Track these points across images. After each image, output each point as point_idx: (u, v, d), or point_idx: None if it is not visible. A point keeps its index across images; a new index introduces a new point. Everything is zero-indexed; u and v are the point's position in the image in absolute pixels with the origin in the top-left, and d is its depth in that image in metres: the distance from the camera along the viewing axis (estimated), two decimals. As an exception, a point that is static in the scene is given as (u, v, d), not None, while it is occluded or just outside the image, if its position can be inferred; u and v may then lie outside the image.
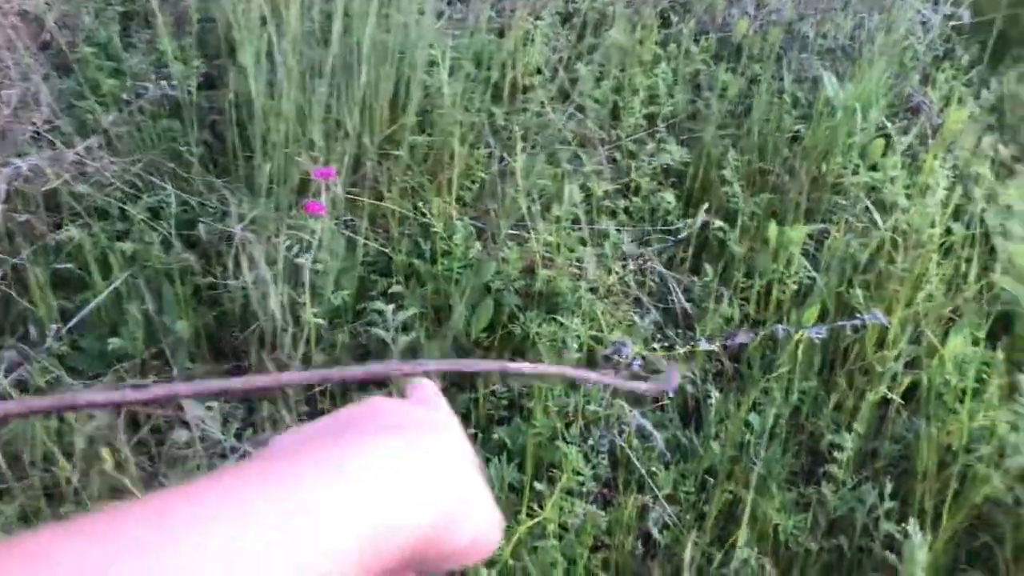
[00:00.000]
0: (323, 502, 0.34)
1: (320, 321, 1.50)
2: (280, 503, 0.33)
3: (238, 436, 1.43)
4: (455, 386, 1.73)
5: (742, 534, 1.49)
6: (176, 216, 1.74)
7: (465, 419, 1.65)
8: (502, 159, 2.02)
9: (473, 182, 1.99)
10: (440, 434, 0.42)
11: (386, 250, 1.79)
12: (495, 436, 1.62)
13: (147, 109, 1.92)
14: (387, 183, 1.88)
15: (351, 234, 1.76)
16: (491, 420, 1.67)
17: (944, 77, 2.60)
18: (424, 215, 1.80)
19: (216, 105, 1.93)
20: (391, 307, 1.51)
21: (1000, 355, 1.81)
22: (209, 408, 1.39)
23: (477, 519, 0.41)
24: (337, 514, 0.34)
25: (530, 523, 1.42)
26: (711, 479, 1.70)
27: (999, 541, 1.66)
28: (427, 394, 0.51)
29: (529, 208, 1.91)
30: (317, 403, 1.59)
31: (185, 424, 1.45)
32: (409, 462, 0.38)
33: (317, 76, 1.82)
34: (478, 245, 1.78)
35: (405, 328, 1.61)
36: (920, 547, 1.52)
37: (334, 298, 1.64)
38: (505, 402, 1.70)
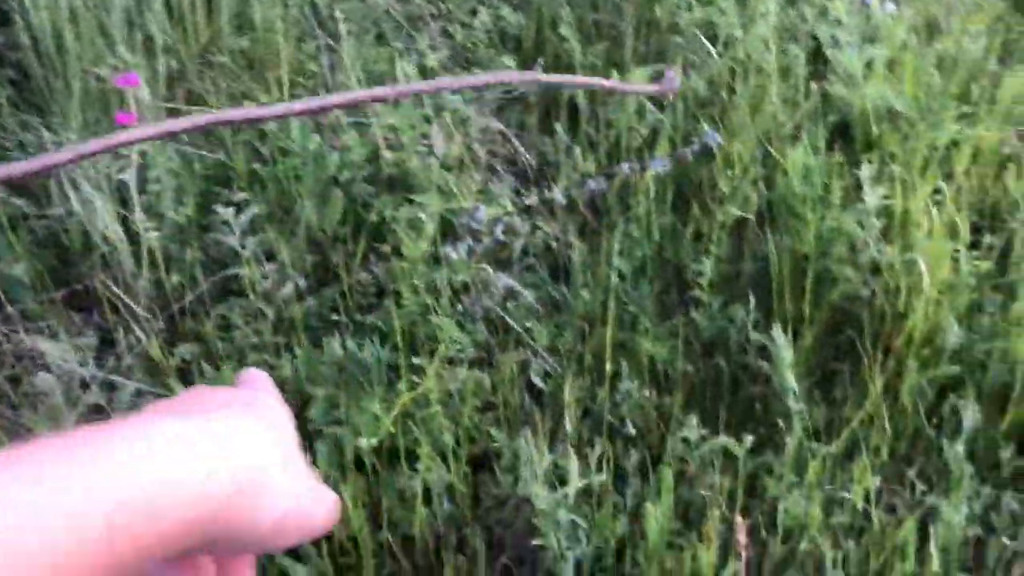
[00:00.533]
0: (68, 477, 0.34)
1: (155, 234, 1.45)
2: (28, 479, 0.34)
3: (99, 365, 1.39)
4: (321, 284, 1.72)
5: (609, 365, 1.54)
6: (-7, 162, 1.64)
7: (335, 311, 1.64)
8: (331, 49, 1.97)
9: (307, 77, 1.94)
10: (244, 415, 0.41)
11: (223, 159, 1.73)
12: (367, 322, 1.62)
13: (-60, 56, 1.79)
14: (214, 92, 1.81)
15: (184, 148, 1.70)
16: (361, 309, 1.67)
17: (763, -97, 2.61)
18: (256, 117, 1.75)
19: (12, 40, 1.81)
20: (231, 210, 1.47)
21: (839, 159, 1.88)
22: (59, 341, 1.35)
23: (282, 502, 0.40)
24: (82, 490, 0.34)
25: (411, 394, 1.44)
26: (587, 326, 1.75)
27: (860, 332, 1.75)
28: (255, 381, 0.50)
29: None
30: (176, 322, 1.56)
31: (42, 366, 1.41)
32: (185, 443, 0.38)
33: (115, -10, 1.72)
34: (317, 139, 1.74)
35: (254, 231, 1.57)
36: (785, 350, 1.60)
37: (176, 215, 1.59)
38: (373, 289, 1.70)
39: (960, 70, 2.17)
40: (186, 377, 1.51)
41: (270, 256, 1.62)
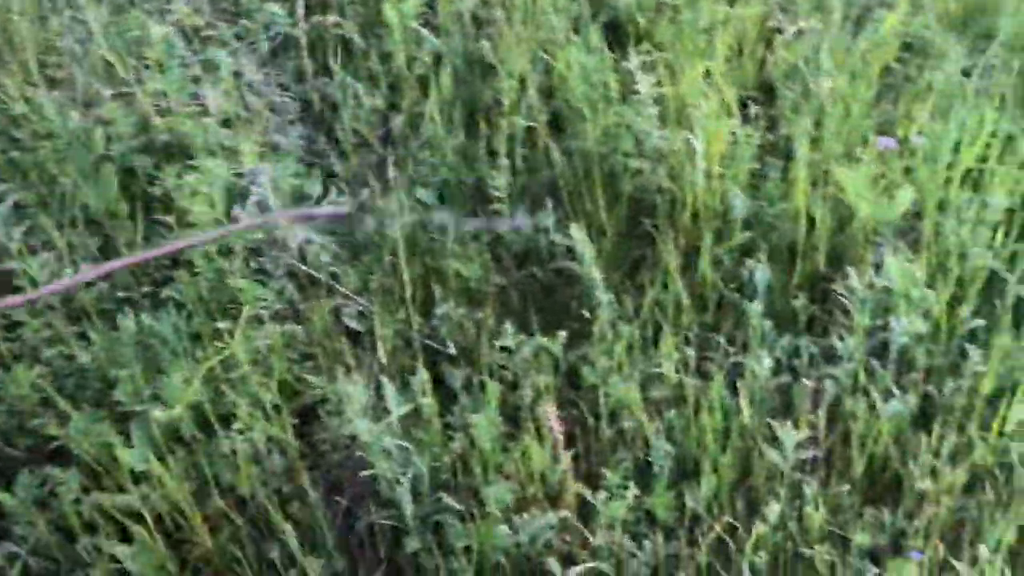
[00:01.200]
0: None
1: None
2: None
3: None
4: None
5: (414, 291, 1.54)
6: None
7: (127, 289, 1.58)
8: (78, 21, 1.85)
9: (58, 54, 1.82)
10: None
11: (-25, 154, 1.62)
12: (163, 295, 1.57)
13: None
14: (-46, 85, 1.69)
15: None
16: (155, 283, 1.61)
17: None
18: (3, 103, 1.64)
19: None
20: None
21: (613, 55, 1.92)
22: None
23: None
24: None
25: (216, 357, 1.41)
26: (395, 260, 1.74)
27: (656, 218, 1.82)
28: None
29: (125, 63, 1.78)
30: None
31: None
32: None
33: None
34: (76, 116, 1.65)
35: (21, 221, 1.49)
36: (586, 246, 1.65)
37: (-68, 221, 1.48)
38: (166, 262, 1.64)
39: (717, -47, 2.25)
40: (-25, 387, 1.43)
41: (46, 244, 1.53)
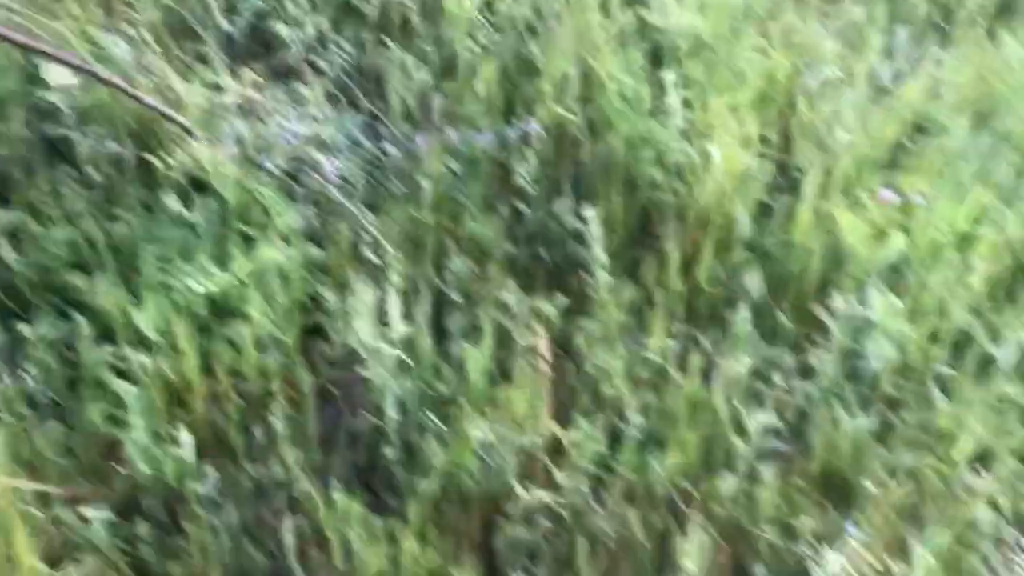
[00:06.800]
0: None
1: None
2: None
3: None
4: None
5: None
6: None
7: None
8: None
9: None
10: None
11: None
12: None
13: None
14: None
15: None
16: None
17: None
18: None
19: None
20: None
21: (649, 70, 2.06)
22: None
23: None
24: None
25: (242, 257, 1.50)
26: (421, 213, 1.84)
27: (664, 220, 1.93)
28: None
29: None
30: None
31: None
32: None
33: None
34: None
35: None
36: (595, 226, 1.76)
37: None
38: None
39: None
40: (15, 240, 1.52)
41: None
